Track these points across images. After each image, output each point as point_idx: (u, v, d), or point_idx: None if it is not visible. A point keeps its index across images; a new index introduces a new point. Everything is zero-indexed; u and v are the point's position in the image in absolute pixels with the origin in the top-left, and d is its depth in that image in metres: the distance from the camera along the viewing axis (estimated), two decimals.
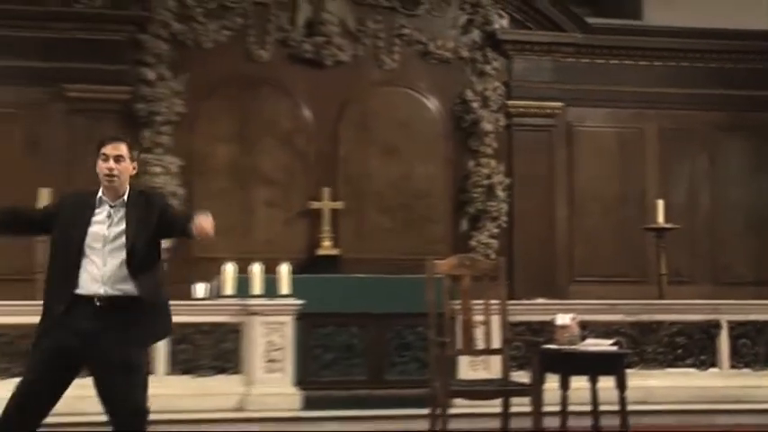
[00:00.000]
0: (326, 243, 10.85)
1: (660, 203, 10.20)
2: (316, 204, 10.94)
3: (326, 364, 9.21)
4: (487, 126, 11.37)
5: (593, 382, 6.55)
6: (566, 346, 6.40)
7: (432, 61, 11.48)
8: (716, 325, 9.08)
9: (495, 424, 6.61)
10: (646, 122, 11.96)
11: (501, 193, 11.33)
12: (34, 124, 10.62)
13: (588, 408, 6.55)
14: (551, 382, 6.35)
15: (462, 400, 6.73)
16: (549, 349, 6.48)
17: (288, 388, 8.33)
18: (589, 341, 6.63)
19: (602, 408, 6.51)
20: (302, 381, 8.56)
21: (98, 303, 4.87)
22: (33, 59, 10.53)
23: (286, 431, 7.89)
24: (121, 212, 5.09)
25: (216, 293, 9.23)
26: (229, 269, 8.97)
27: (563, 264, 11.54)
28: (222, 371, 8.33)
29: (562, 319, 6.61)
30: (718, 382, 8.93)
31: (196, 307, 8.80)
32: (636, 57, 11.90)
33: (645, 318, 9.00)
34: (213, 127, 10.98)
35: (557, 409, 6.28)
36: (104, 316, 4.85)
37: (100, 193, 5.13)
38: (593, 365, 6.47)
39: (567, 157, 11.71)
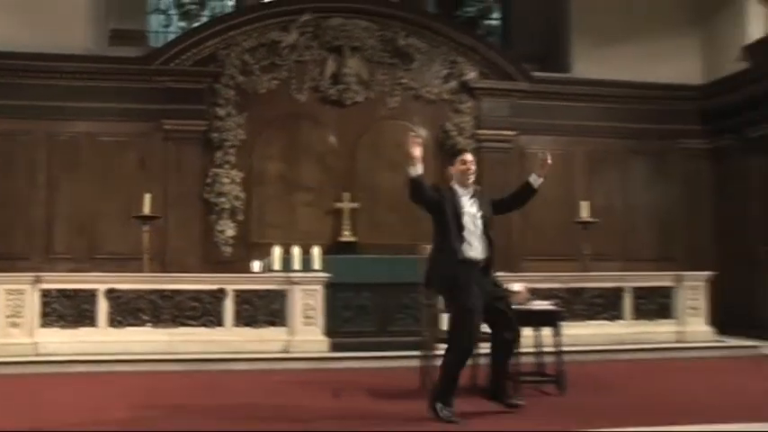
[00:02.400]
0: (347, 233, 10.86)
1: (585, 204, 10.24)
2: (339, 205, 10.93)
3: (347, 319, 9.17)
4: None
5: (537, 331, 6.58)
6: (518, 306, 6.42)
7: (422, 102, 11.47)
8: (622, 289, 9.19)
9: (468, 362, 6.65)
10: (576, 147, 11.95)
11: None
12: (142, 148, 10.72)
13: (534, 349, 6.59)
14: None
15: (445, 344, 6.78)
16: None
17: (319, 336, 8.42)
18: (535, 302, 6.61)
19: (544, 349, 6.55)
20: (329, 331, 8.64)
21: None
22: (142, 103, 10.66)
23: (318, 368, 7.94)
24: (475, 199, 5.57)
25: (268, 268, 9.31)
26: (277, 251, 9.04)
27: (517, 246, 11.44)
28: (272, 324, 8.44)
29: (516, 286, 6.61)
30: (624, 330, 9.06)
31: (254, 278, 8.90)
32: (568, 99, 11.84)
33: (574, 285, 9.10)
34: (266, 150, 11.02)
35: None
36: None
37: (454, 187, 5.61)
38: (538, 319, 6.48)
39: (519, 171, 11.67)
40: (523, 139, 11.76)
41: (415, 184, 5.42)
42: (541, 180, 5.81)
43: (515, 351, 5.66)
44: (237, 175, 10.78)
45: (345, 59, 11.17)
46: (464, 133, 11.44)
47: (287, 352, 8.27)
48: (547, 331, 6.43)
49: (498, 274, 9.19)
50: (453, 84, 11.56)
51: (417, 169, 5.39)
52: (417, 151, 5.38)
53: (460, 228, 5.43)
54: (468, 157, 5.75)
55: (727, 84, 11.84)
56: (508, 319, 5.50)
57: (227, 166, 10.77)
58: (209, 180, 10.71)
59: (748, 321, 10.95)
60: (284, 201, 10.99)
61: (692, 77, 12.36)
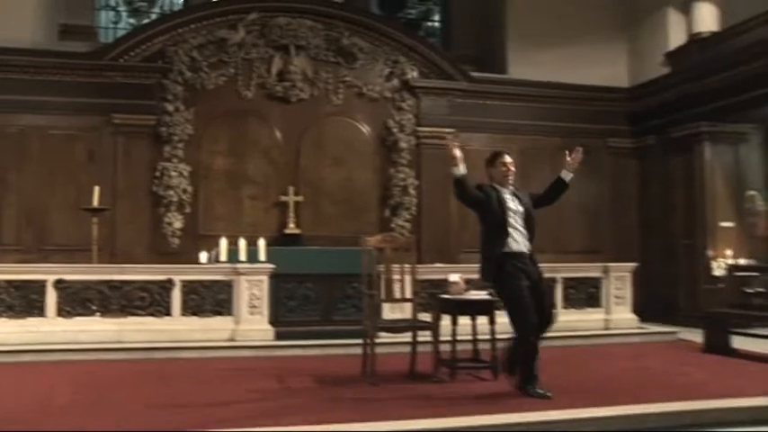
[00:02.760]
0: (291, 225, 10.81)
1: None
2: (284, 198, 10.89)
3: (291, 309, 9.13)
4: (403, 145, 11.43)
5: (474, 319, 6.61)
6: (455, 296, 6.46)
7: (365, 100, 11.46)
8: (554, 280, 9.24)
9: (407, 349, 6.67)
10: (511, 144, 11.95)
11: (412, 191, 11.39)
12: (91, 141, 10.51)
13: (470, 337, 6.63)
14: (445, 321, 6.41)
15: (385, 333, 6.79)
16: (444, 298, 6.52)
17: (264, 325, 8.35)
18: (471, 292, 6.65)
19: (479, 337, 6.60)
20: (274, 320, 8.56)
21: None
22: (91, 97, 10.43)
23: (263, 355, 7.88)
24: (515, 197, 5.77)
25: (215, 259, 9.20)
26: (224, 243, 8.95)
27: (455, 240, 11.56)
28: (219, 313, 8.33)
29: (453, 277, 6.66)
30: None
31: (201, 269, 8.79)
32: (503, 99, 12.02)
33: None
34: (213, 144, 10.90)
35: (449, 338, 6.34)
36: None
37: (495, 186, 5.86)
38: (474, 308, 6.53)
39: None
40: (461, 137, 11.77)
41: (459, 183, 5.68)
42: (571, 175, 5.98)
43: (543, 335, 5.74)
44: (185, 168, 10.64)
45: (291, 58, 11.10)
46: (405, 130, 11.48)
47: (233, 340, 8.18)
48: (483, 320, 6.47)
49: (437, 265, 9.38)
50: (395, 82, 11.59)
51: (460, 169, 5.65)
52: (458, 152, 5.60)
53: (506, 224, 5.65)
54: (508, 159, 5.95)
55: (651, 87, 12.12)
56: (543, 307, 5.66)
57: (175, 160, 10.62)
58: (157, 173, 10.55)
59: (667, 309, 11.23)
60: (231, 194, 10.89)
61: (620, 81, 12.63)
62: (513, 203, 5.78)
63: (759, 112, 10.90)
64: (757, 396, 5.54)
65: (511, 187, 5.89)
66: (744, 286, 10.48)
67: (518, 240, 5.69)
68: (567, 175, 5.95)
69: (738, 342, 8.13)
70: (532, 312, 5.52)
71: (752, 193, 11.72)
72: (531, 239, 5.75)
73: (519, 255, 5.66)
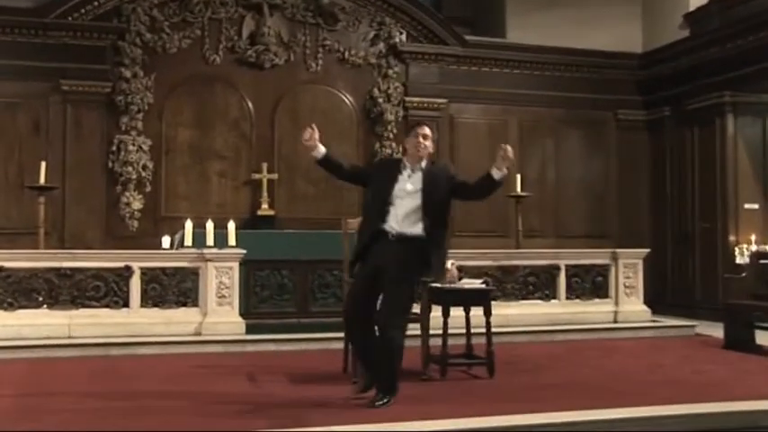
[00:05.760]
0: (265, 206, 10.77)
1: (518, 177, 10.35)
2: (257, 176, 10.85)
3: (264, 299, 9.15)
4: (389, 116, 11.39)
5: (467, 311, 6.61)
6: (447, 285, 6.45)
7: (347, 66, 11.42)
8: (556, 267, 9.33)
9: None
10: (508, 116, 12.11)
11: None
12: (36, 111, 10.34)
13: (463, 330, 6.63)
14: (436, 312, 6.40)
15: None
16: (435, 287, 6.50)
17: (234, 317, 8.33)
18: (465, 280, 6.68)
19: (473, 330, 6.59)
20: (245, 312, 8.59)
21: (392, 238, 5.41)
22: (36, 60, 10.25)
23: (233, 351, 7.87)
24: (419, 175, 5.51)
25: (179, 244, 9.16)
26: (189, 225, 8.89)
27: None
28: (183, 304, 8.30)
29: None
30: (558, 309, 9.22)
31: (163, 255, 8.74)
32: (501, 66, 12.01)
33: (506, 263, 9.20)
34: (176, 115, 10.81)
35: (439, 332, 6.33)
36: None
37: (405, 160, 5.65)
38: (467, 299, 6.53)
39: (449, 140, 11.80)
40: (454, 108, 11.86)
41: (322, 165, 5.68)
42: (504, 173, 5.41)
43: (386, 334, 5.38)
44: (145, 142, 10.54)
45: (265, 18, 11.01)
46: (392, 100, 11.45)
47: (199, 334, 8.15)
48: (477, 311, 6.45)
49: None
50: (380, 47, 11.54)
51: (320, 151, 5.55)
52: (307, 134, 5.51)
53: (386, 205, 5.47)
54: (425, 131, 5.67)
55: (667, 53, 12.10)
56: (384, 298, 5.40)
57: (133, 133, 10.52)
58: (113, 148, 10.45)
59: (682, 301, 11.29)
60: (196, 171, 10.82)
61: (632, 45, 12.62)
62: (410, 183, 5.50)
63: None
64: None
65: (420, 165, 5.56)
66: None
67: (393, 223, 5.42)
68: (496, 174, 5.40)
69: (763, 338, 8.16)
70: (357, 296, 5.47)
71: None
72: (427, 224, 5.41)
73: (385, 234, 5.43)
